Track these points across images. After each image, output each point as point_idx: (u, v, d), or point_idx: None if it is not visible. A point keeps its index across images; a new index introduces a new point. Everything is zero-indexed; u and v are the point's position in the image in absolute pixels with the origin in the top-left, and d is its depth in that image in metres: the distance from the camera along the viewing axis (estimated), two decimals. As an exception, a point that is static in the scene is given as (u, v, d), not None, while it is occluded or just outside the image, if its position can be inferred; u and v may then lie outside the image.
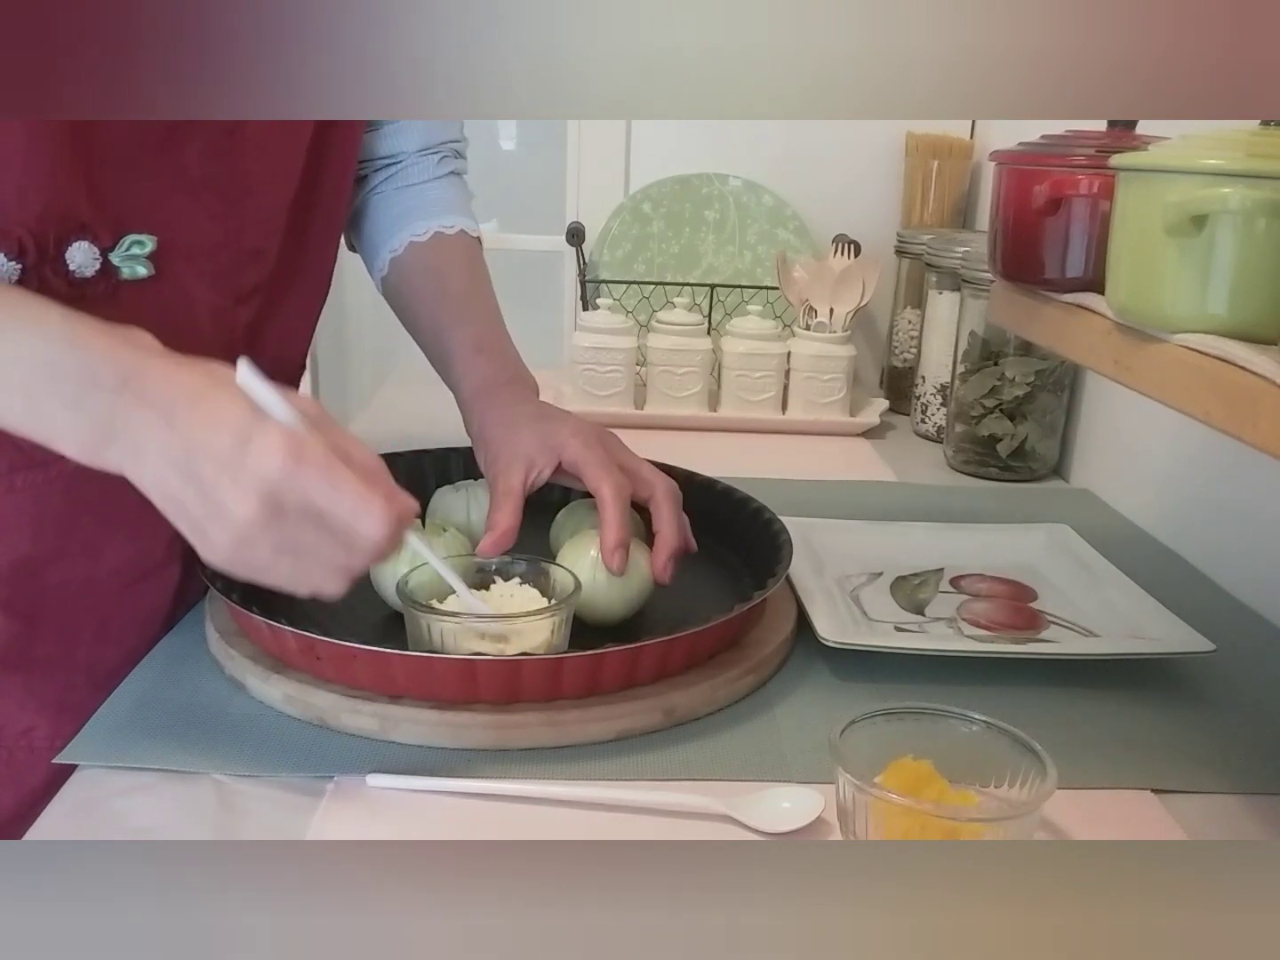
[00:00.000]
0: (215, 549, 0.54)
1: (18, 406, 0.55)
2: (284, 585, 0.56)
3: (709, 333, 1.42)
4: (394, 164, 0.92)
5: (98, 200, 0.67)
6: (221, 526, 0.53)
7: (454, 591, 0.73)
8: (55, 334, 0.54)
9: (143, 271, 0.70)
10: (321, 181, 0.82)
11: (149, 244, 0.69)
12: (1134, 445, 1.14)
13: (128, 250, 0.69)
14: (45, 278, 0.66)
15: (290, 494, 0.52)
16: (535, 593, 0.74)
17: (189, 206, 0.71)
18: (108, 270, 0.69)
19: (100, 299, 0.68)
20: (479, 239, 0.93)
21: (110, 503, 0.73)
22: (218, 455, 0.52)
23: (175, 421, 0.53)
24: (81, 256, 0.67)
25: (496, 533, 0.75)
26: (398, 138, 0.91)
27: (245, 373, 0.53)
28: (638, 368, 1.41)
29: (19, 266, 0.65)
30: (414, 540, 0.62)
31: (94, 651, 0.75)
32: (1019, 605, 0.88)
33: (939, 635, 0.82)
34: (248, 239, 0.76)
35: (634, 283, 1.56)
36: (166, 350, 0.56)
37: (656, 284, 1.55)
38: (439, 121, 0.93)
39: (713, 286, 1.50)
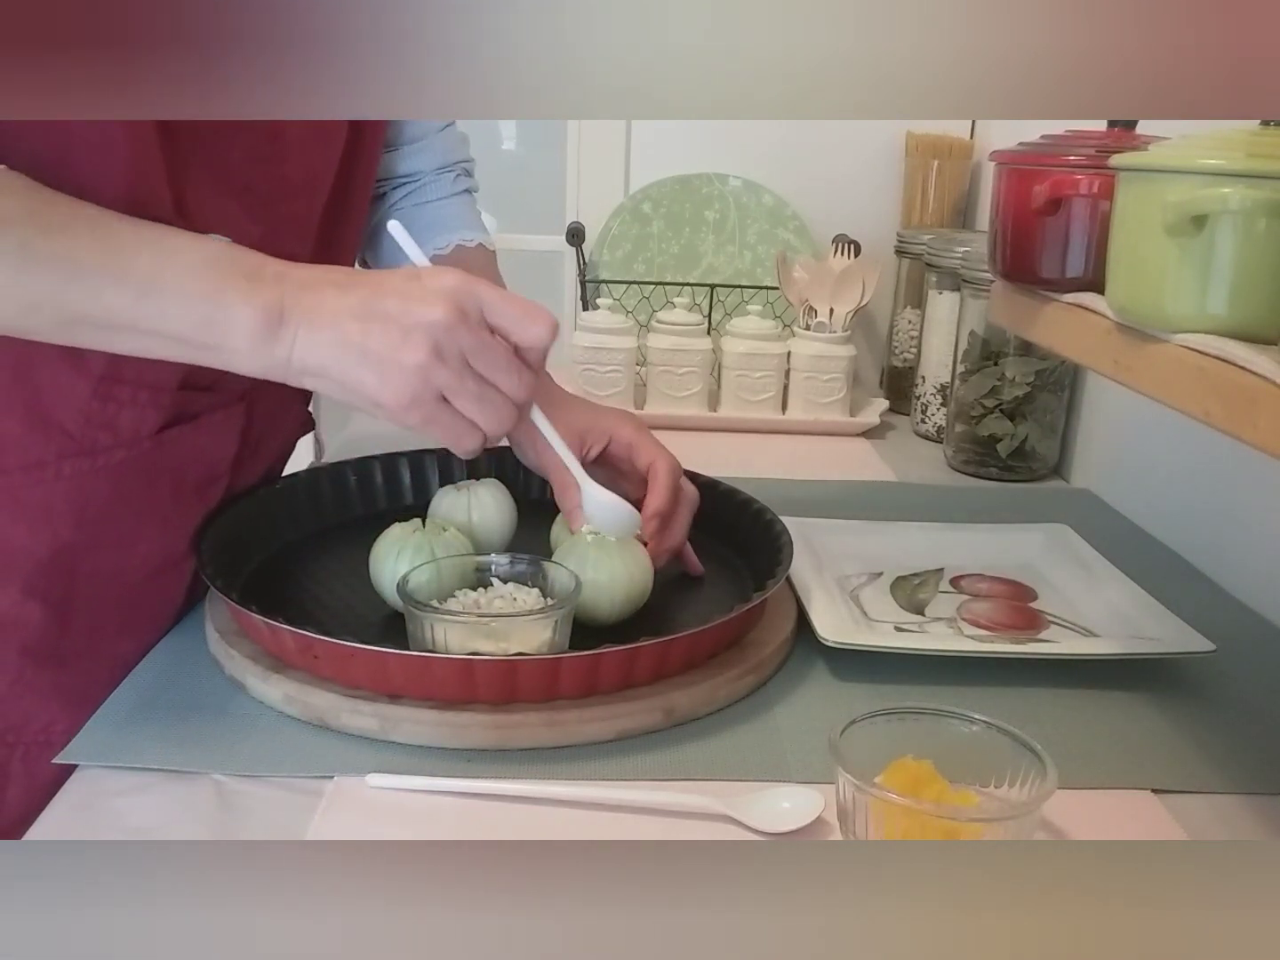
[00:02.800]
0: (406, 372, 0.60)
1: (201, 310, 0.60)
2: (467, 409, 0.62)
3: (709, 333, 1.42)
4: (412, 182, 0.94)
5: (179, 197, 0.67)
6: (415, 342, 0.59)
7: (454, 593, 0.74)
8: (213, 241, 0.62)
9: None
10: (351, 192, 0.83)
11: None
12: (1134, 445, 1.14)
13: None
14: None
15: (469, 299, 0.61)
16: (536, 593, 0.74)
17: (232, 208, 0.72)
18: None
19: None
20: (495, 252, 0.95)
21: (148, 495, 0.74)
22: (395, 288, 0.61)
23: (344, 286, 0.61)
24: None
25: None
26: (417, 157, 0.93)
27: (395, 225, 0.66)
28: (638, 368, 1.41)
29: None
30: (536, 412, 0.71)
31: (116, 644, 0.76)
32: (1019, 605, 0.88)
33: (939, 635, 0.82)
34: (283, 244, 0.76)
35: (634, 283, 1.56)
36: None
37: (656, 284, 1.55)
38: (454, 142, 0.95)
39: (713, 286, 1.50)
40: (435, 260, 0.90)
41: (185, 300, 0.59)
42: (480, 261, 0.93)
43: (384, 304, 0.60)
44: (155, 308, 0.59)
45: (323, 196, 0.80)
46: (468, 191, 0.97)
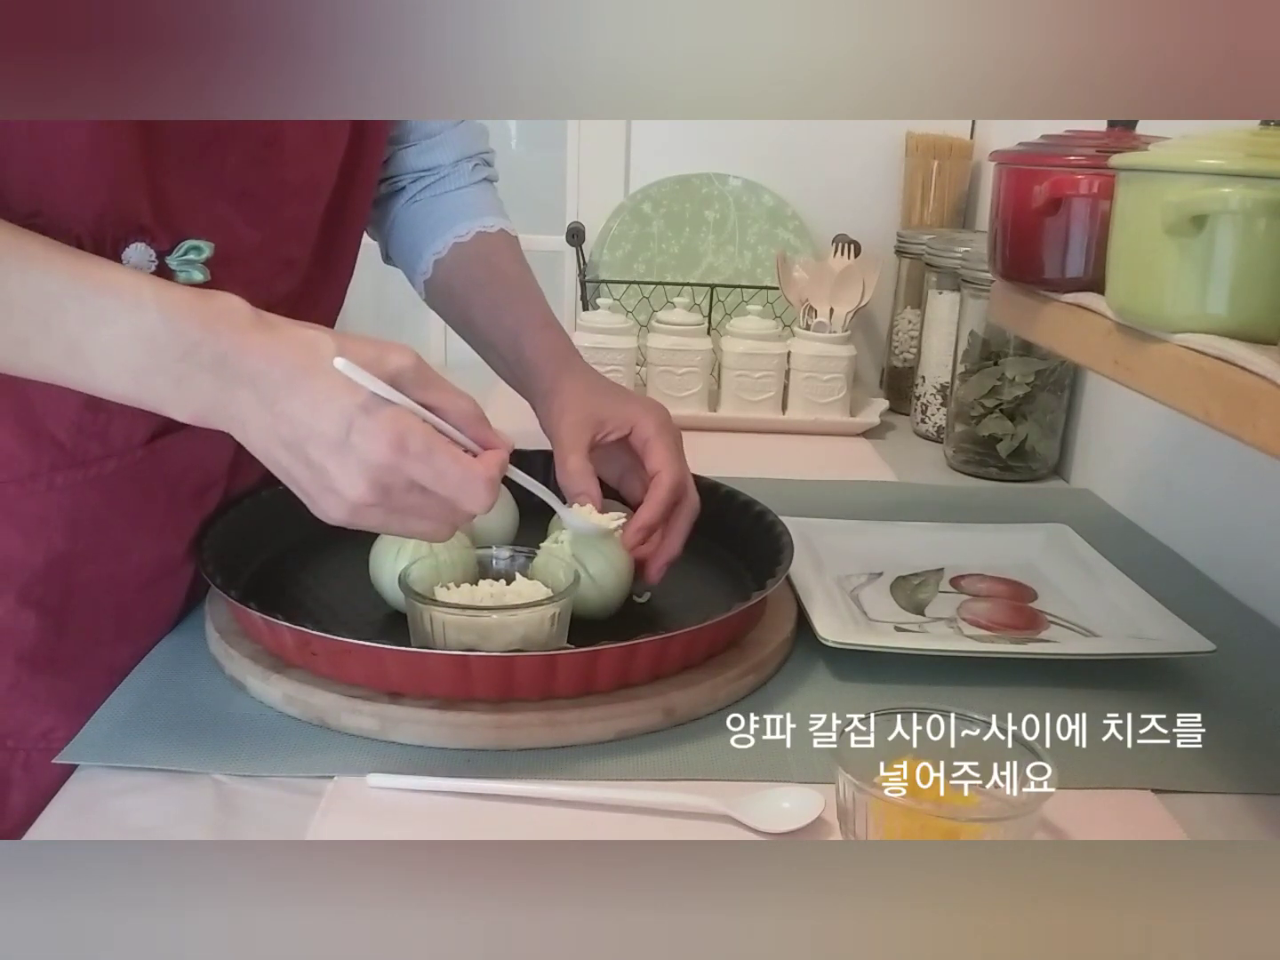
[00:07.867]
0: (328, 515, 0.59)
1: (129, 385, 0.57)
2: (396, 534, 0.64)
3: (709, 333, 1.42)
4: (431, 175, 0.94)
5: (158, 204, 0.67)
6: (333, 502, 0.58)
7: (453, 583, 0.74)
8: (150, 309, 0.56)
9: (199, 277, 0.69)
10: (351, 196, 0.83)
11: (206, 250, 0.68)
12: (1134, 445, 1.14)
13: (184, 255, 0.68)
14: None
15: (396, 477, 0.57)
16: (536, 585, 0.74)
17: (229, 213, 0.72)
18: (164, 274, 0.68)
19: None
20: (517, 238, 0.95)
21: (142, 504, 0.74)
22: (324, 440, 0.56)
23: (277, 404, 0.56)
24: (137, 258, 0.67)
25: (587, 493, 0.78)
26: (435, 152, 0.93)
27: (343, 363, 0.57)
28: (638, 368, 1.41)
29: None
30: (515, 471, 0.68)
31: (113, 650, 0.76)
32: (1019, 605, 0.88)
33: (939, 635, 0.82)
34: (282, 248, 0.77)
35: (634, 283, 1.56)
36: (259, 316, 0.58)
37: (656, 284, 1.55)
38: (473, 134, 0.95)
39: (713, 286, 1.50)
40: (457, 248, 0.91)
41: (113, 370, 0.57)
42: (502, 247, 0.93)
43: (310, 451, 0.57)
44: (84, 371, 0.57)
45: (324, 199, 0.80)
46: (487, 180, 0.97)
